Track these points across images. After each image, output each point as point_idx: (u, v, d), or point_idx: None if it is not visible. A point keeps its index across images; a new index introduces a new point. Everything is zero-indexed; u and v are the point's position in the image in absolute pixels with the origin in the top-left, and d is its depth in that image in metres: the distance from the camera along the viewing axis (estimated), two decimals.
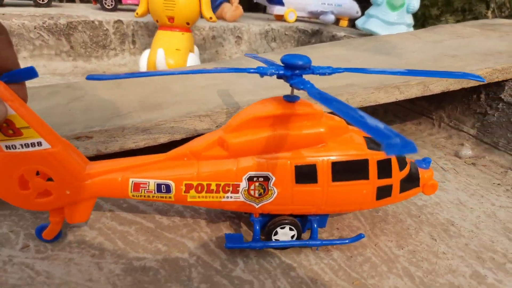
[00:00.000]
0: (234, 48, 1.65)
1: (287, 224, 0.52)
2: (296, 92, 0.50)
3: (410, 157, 0.58)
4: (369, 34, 1.50)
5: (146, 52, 1.27)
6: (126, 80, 0.95)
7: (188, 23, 1.26)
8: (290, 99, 0.49)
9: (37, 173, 0.46)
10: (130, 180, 0.48)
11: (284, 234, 0.53)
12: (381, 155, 0.49)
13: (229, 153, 0.48)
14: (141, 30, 1.49)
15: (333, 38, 1.67)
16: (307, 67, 0.45)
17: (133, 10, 1.68)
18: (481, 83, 0.91)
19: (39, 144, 0.43)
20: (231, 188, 0.48)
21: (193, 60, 1.26)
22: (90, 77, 0.46)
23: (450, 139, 1.01)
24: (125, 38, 1.48)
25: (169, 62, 1.22)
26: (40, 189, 0.46)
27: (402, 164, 0.53)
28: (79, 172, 0.47)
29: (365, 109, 0.81)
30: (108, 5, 1.56)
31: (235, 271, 0.50)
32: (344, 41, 1.31)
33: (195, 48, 1.33)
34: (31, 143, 0.43)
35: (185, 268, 0.50)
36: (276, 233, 0.52)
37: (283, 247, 0.54)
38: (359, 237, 0.55)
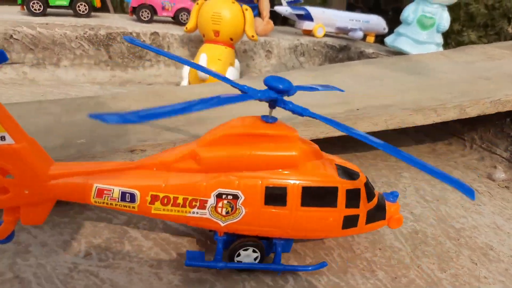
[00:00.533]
0: (264, 62, 1.68)
1: (251, 246, 0.51)
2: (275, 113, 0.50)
3: (377, 189, 0.59)
4: (398, 51, 1.52)
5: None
6: (169, 92, 0.99)
7: (231, 39, 1.32)
8: (268, 119, 0.49)
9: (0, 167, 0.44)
10: (94, 185, 0.46)
11: (247, 256, 0.52)
12: (351, 184, 0.49)
13: (201, 167, 0.47)
14: (176, 43, 1.53)
15: (361, 54, 1.69)
16: (290, 91, 0.47)
17: (168, 22, 1.73)
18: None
19: (3, 138, 0.42)
20: (198, 204, 0.47)
21: (232, 73, 1.30)
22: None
23: (483, 161, 1.01)
24: None
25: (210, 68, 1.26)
26: None
27: (370, 195, 0.52)
28: (41, 171, 0.45)
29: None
30: (144, 17, 1.61)
31: (285, 287, 0.53)
32: (375, 60, 1.33)
33: (236, 63, 1.37)
34: None
35: (238, 281, 0.53)
36: (239, 254, 0.51)
37: (245, 269, 0.53)
38: (322, 265, 0.54)
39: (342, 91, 0.60)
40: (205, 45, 1.34)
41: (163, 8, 1.65)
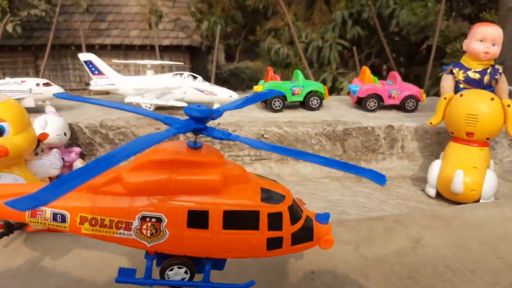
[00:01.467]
0: (506, 151, 1.49)
1: (178, 264, 0.51)
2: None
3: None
4: None
5: (436, 163, 1.24)
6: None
7: (488, 138, 1.18)
8: (193, 145, 0.50)
9: None
10: None
11: (176, 274, 0.52)
12: (273, 208, 0.50)
13: (126, 191, 0.49)
14: (410, 135, 1.47)
15: None
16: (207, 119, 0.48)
17: (395, 108, 1.69)
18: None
19: None
20: (124, 225, 0.49)
21: (491, 178, 1.17)
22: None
23: None
24: (394, 143, 1.48)
25: (466, 181, 1.14)
26: None
27: (295, 218, 0.52)
28: None
29: None
30: (371, 107, 1.61)
31: None
32: None
33: (491, 163, 1.23)
34: None
35: None
36: (168, 275, 0.52)
37: (174, 285, 0.53)
38: (250, 283, 0.54)
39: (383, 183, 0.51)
40: (453, 145, 1.22)
41: (390, 96, 1.62)
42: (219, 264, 0.55)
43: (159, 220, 0.49)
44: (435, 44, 2.69)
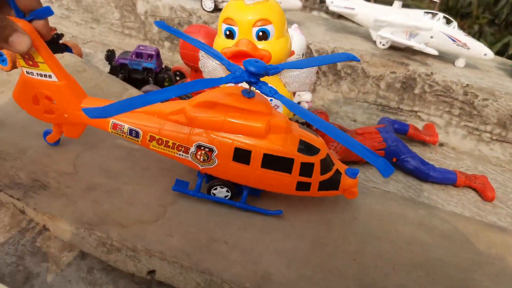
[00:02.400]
0: None
1: (223, 185, 0.62)
2: None
3: None
4: None
5: None
6: None
7: None
8: (247, 94, 0.57)
9: (47, 96, 0.60)
10: (111, 120, 0.60)
11: (220, 192, 0.62)
12: (306, 159, 0.58)
13: (188, 121, 0.57)
14: None
15: None
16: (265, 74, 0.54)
17: None
18: None
19: (50, 76, 0.58)
20: (183, 149, 0.58)
21: None
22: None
23: None
24: None
25: None
26: (46, 108, 0.62)
27: (325, 169, 0.60)
28: (75, 103, 0.60)
29: None
30: None
31: None
32: None
33: None
34: (44, 74, 0.58)
35: None
36: (214, 192, 0.63)
37: (216, 201, 0.63)
38: (279, 212, 0.63)
39: (357, 60, 0.62)
40: None
41: None
42: (256, 191, 0.65)
43: (211, 150, 0.57)
44: None
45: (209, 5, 1.45)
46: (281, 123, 0.58)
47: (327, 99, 1.36)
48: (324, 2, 1.44)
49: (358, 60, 0.60)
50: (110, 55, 1.19)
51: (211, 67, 0.92)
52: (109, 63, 1.18)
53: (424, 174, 1.01)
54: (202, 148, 0.58)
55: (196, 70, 1.07)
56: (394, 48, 1.39)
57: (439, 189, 1.01)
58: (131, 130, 0.60)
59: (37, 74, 0.58)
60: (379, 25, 1.33)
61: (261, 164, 0.58)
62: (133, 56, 1.15)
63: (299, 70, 0.86)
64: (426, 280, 0.58)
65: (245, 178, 0.60)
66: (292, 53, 1.00)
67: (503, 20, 3.82)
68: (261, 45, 0.74)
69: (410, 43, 1.25)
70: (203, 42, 0.69)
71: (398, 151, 1.04)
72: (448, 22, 1.32)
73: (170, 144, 0.59)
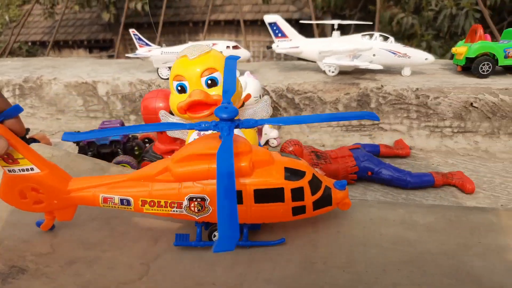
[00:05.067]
0: None
1: None
2: None
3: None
4: None
5: None
6: None
7: None
8: None
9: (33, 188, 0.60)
10: (100, 195, 0.61)
11: None
12: (295, 184, 0.59)
13: (175, 178, 0.58)
14: None
15: None
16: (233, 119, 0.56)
17: None
18: None
19: (32, 169, 0.58)
20: (176, 205, 0.59)
21: None
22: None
23: None
24: None
25: None
26: (35, 199, 0.61)
27: (314, 189, 0.61)
28: (62, 188, 0.61)
29: None
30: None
31: None
32: None
33: None
34: (25, 169, 0.58)
35: None
36: (215, 236, 0.64)
37: None
38: (281, 241, 0.63)
39: (377, 119, 0.61)
40: None
41: None
42: (256, 225, 0.66)
43: (203, 199, 0.58)
44: None
45: (165, 73, 1.50)
46: (263, 156, 0.60)
47: (293, 132, 1.39)
48: (271, 47, 1.51)
49: (378, 119, 0.59)
50: None
51: None
52: (77, 145, 1.18)
53: (402, 181, 1.01)
54: (194, 199, 0.58)
55: (162, 132, 1.09)
56: (344, 73, 1.45)
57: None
58: (121, 200, 0.60)
59: (19, 170, 0.58)
60: (324, 55, 1.40)
61: (254, 200, 0.58)
62: None
63: (254, 107, 0.89)
64: (418, 273, 0.57)
65: (242, 217, 0.59)
66: (248, 96, 1.03)
67: (446, 32, 4.08)
68: (212, 91, 0.76)
69: (354, 63, 1.31)
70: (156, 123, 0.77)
71: (371, 165, 1.05)
72: (385, 39, 1.40)
73: (162, 203, 0.59)
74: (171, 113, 0.90)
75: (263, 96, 1.23)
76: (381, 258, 0.60)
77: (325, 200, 0.63)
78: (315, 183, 0.62)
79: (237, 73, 1.39)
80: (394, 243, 0.63)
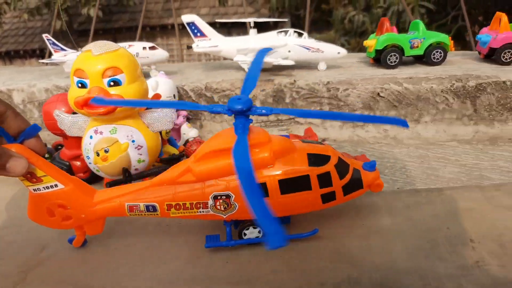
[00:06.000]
0: None
1: (252, 225, 0.62)
2: None
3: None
4: None
5: None
6: None
7: None
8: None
9: (59, 205, 0.60)
10: (126, 204, 0.61)
11: (251, 232, 0.63)
12: (320, 170, 0.57)
13: (197, 178, 0.58)
14: None
15: None
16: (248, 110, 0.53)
17: None
18: None
19: (56, 185, 0.58)
20: (201, 205, 0.58)
21: None
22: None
23: None
24: None
25: None
26: (62, 215, 0.61)
27: (342, 173, 0.59)
28: (87, 201, 0.61)
29: None
30: (506, 59, 1.35)
31: None
32: None
33: None
34: (50, 186, 0.58)
35: None
36: (245, 234, 0.63)
37: (251, 243, 0.64)
38: (314, 231, 0.64)
39: (407, 126, 0.55)
40: None
41: None
42: (285, 219, 0.65)
43: (228, 196, 0.57)
44: None
45: None
46: (283, 144, 0.59)
47: (215, 130, 1.40)
48: (191, 47, 1.53)
49: (407, 126, 0.57)
50: None
51: (69, 123, 0.93)
52: None
53: None
54: (219, 197, 0.58)
55: (66, 137, 1.07)
56: (263, 70, 1.48)
57: None
58: (147, 207, 0.61)
59: (44, 187, 0.58)
60: (242, 53, 1.42)
61: (280, 191, 0.57)
62: None
63: (158, 110, 0.90)
64: (297, 259, 0.62)
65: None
66: (158, 96, 1.04)
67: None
68: (113, 91, 0.76)
69: (266, 59, 1.34)
70: None
71: None
72: (300, 35, 1.44)
73: (188, 205, 0.59)
74: (75, 113, 0.90)
75: (175, 96, 1.24)
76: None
77: (355, 184, 0.62)
78: (342, 167, 0.60)
79: (155, 73, 1.40)
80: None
